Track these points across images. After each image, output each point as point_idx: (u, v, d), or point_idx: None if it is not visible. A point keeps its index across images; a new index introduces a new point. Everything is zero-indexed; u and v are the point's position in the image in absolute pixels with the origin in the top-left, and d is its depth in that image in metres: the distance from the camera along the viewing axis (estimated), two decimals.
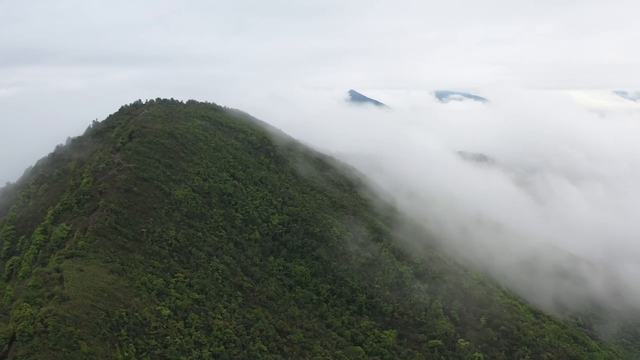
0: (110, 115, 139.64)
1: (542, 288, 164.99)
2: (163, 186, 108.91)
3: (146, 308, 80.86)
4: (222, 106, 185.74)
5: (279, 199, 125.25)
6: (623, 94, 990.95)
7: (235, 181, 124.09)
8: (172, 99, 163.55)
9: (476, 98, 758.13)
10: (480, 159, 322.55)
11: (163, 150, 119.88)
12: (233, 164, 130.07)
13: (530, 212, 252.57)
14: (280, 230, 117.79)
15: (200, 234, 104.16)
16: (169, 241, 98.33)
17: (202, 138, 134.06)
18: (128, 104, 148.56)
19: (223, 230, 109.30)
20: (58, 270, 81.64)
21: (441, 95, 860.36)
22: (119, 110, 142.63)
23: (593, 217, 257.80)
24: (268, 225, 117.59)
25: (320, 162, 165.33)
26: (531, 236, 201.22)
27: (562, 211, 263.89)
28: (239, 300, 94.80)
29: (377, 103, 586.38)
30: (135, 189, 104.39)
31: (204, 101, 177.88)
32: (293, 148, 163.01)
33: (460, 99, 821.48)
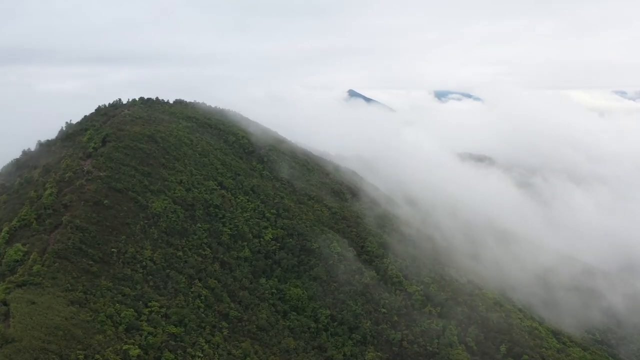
0: (85, 116, 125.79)
1: (557, 301, 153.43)
2: (139, 198, 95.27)
3: (110, 348, 67.33)
4: (213, 106, 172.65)
5: (272, 211, 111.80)
6: (622, 93, 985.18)
7: (223, 191, 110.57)
8: (157, 98, 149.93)
9: (475, 98, 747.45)
10: (481, 160, 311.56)
11: (141, 156, 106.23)
12: (221, 171, 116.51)
13: (536, 216, 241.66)
14: (274, 247, 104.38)
15: (180, 253, 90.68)
16: (144, 263, 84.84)
17: (187, 142, 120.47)
18: (106, 104, 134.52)
19: (207, 249, 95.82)
20: (5, 303, 68.18)
21: (440, 95, 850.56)
22: (95, 110, 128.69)
23: (602, 222, 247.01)
24: (260, 241, 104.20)
25: (318, 167, 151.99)
26: (540, 244, 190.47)
27: (569, 215, 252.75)
28: (224, 333, 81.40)
29: (376, 103, 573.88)
30: (106, 201, 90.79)
31: (194, 100, 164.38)
32: (289, 152, 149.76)
33: (459, 99, 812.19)
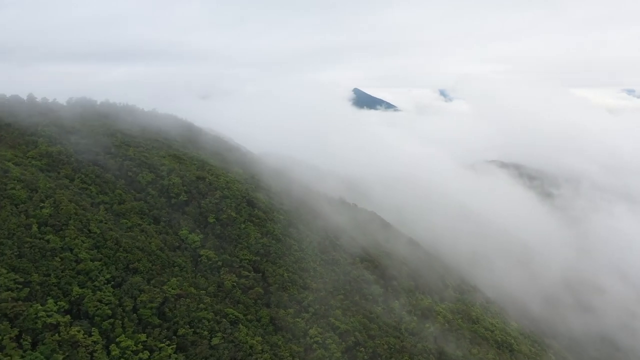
0: None
1: None
2: None
3: None
4: (146, 110, 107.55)
5: None
6: (630, 91, 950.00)
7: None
8: (29, 94, 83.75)
9: (480, 97, 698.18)
10: (504, 167, 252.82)
11: None
12: (83, 268, 49.38)
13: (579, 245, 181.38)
14: None
15: None
16: None
17: (22, 196, 53.38)
18: None
19: None
20: None
21: (446, 94, 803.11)
22: None
23: None
24: None
25: (327, 225, 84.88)
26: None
27: (613, 241, 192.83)
28: None
29: (382, 102, 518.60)
30: None
31: (106, 100, 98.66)
32: (266, 187, 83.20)
33: (464, 98, 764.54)
